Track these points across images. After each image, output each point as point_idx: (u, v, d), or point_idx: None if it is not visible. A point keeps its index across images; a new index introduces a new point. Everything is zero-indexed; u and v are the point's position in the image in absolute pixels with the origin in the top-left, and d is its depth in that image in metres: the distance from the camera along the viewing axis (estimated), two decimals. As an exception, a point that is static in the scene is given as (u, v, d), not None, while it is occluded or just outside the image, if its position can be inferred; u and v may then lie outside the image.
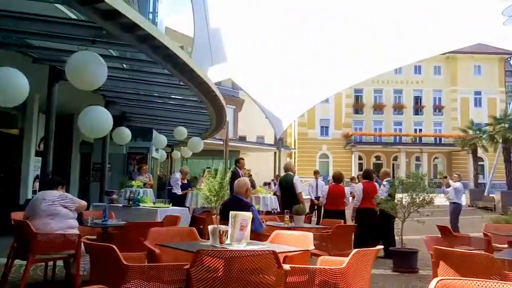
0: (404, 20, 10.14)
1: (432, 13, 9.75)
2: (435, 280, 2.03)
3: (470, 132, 30.85)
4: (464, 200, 23.31)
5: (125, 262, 2.96)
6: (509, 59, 46.04)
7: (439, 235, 5.83)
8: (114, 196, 8.39)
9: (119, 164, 12.79)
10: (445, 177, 12.20)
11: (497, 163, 25.49)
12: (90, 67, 5.14)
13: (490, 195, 22.64)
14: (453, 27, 10.32)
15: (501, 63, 44.73)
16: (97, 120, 6.26)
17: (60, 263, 5.00)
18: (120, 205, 7.86)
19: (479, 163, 33.42)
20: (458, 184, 11.02)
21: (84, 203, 4.98)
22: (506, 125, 25.25)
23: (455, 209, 10.83)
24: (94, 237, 5.74)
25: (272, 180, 21.49)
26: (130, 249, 4.35)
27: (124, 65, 8.65)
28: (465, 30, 10.62)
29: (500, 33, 11.93)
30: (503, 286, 1.90)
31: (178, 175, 11.57)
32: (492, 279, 3.06)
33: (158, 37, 5.35)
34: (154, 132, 13.25)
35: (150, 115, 12.05)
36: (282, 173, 14.78)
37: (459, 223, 10.77)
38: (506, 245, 5.61)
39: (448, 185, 11.15)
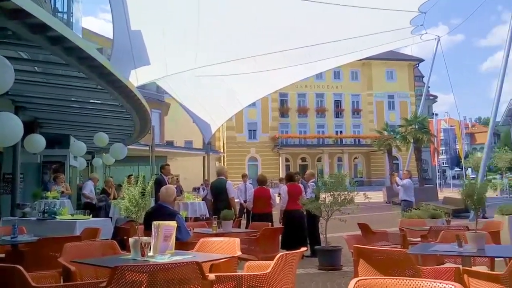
0: (323, 28, 10.56)
1: (348, 22, 10.28)
2: (354, 280, 2.08)
3: (385, 133, 33.03)
4: (382, 197, 24.93)
5: (33, 284, 2.70)
6: (417, 65, 50.21)
7: (359, 232, 6.10)
8: (27, 209, 7.73)
9: (33, 174, 11.83)
10: (393, 174, 12.20)
11: (410, 161, 27.50)
12: (-7, 70, 4.67)
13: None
14: (368, 35, 10.96)
15: (410, 69, 48.64)
16: (5, 127, 5.74)
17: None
18: (34, 218, 7.25)
19: (394, 161, 35.85)
20: (405, 181, 10.55)
21: None
22: (416, 126, 27.35)
23: (406, 207, 10.13)
24: (3, 255, 5.23)
25: (201, 185, 21.24)
26: (44, 267, 4.02)
27: (36, 68, 8.03)
28: (378, 38, 11.33)
29: (408, 41, 12.91)
30: (415, 282, 1.99)
31: (89, 182, 10.97)
32: (407, 274, 3.25)
33: (71, 38, 5.00)
34: (72, 139, 12.46)
35: (67, 120, 11.31)
36: (212, 178, 14.65)
37: (379, 219, 11.30)
38: (419, 239, 6.03)
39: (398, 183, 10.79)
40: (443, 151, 44.10)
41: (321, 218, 7.48)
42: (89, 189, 10.61)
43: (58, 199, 8.72)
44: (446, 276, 3.15)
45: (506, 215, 7.79)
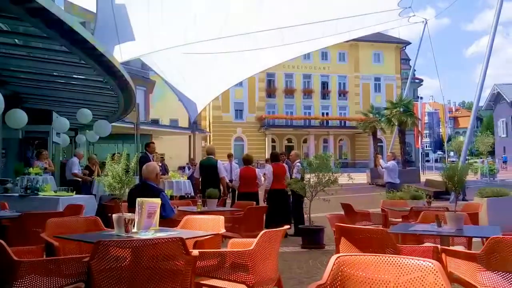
0: (312, 8, 10.47)
1: (337, 2, 10.20)
2: (335, 256, 2.12)
3: (371, 115, 33.26)
4: (366, 178, 25.28)
5: (15, 258, 2.69)
6: (404, 48, 50.31)
7: (342, 212, 6.20)
8: (9, 185, 7.63)
9: (15, 150, 11.63)
10: (377, 156, 12.07)
11: (394, 144, 27.85)
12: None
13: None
14: (356, 16, 10.92)
15: (397, 51, 48.72)
16: (-16, 101, 5.61)
17: None
18: (16, 194, 7.16)
19: (379, 144, 36.23)
20: (389, 164, 10.48)
21: None
22: (401, 109, 27.59)
23: (390, 189, 9.50)
24: (-16, 231, 5.18)
25: (187, 164, 21.20)
26: (27, 243, 4.00)
27: (17, 40, 7.80)
28: (366, 19, 11.30)
29: (396, 23, 12.91)
30: (394, 259, 2.05)
31: (75, 159, 10.85)
32: (387, 253, 3.33)
33: (52, 10, 4.85)
34: (55, 115, 12.24)
35: (50, 96, 11.08)
36: (198, 158, 14.53)
37: (362, 200, 11.44)
38: (400, 220, 6.16)
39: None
40: (427, 134, 44.78)
41: (305, 198, 7.58)
42: (77, 168, 10.47)
43: (41, 175, 8.60)
44: (425, 254, 3.23)
45: (485, 197, 7.98)
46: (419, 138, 33.00)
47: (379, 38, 42.31)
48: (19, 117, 8.93)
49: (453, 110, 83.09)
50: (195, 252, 2.92)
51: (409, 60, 55.60)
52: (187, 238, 2.91)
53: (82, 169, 11.12)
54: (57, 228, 3.75)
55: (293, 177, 8.12)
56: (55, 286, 2.83)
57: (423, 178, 22.86)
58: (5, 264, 2.73)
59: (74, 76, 9.59)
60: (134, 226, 3.25)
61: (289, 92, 46.50)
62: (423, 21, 20.55)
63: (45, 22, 5.19)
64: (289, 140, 46.02)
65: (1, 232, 4.83)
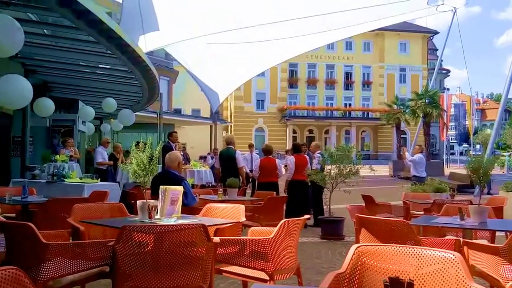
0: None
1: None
2: (355, 246, 2.13)
3: (395, 107, 32.73)
4: (388, 171, 24.98)
5: (43, 240, 2.80)
6: (431, 37, 49.05)
7: (363, 204, 6.16)
8: (36, 172, 7.89)
9: (42, 137, 11.98)
10: (403, 149, 11.71)
11: (418, 136, 27.38)
12: (3, 32, 4.67)
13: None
14: (383, 5, 10.70)
15: (424, 41, 47.54)
16: (15, 89, 5.79)
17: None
18: (43, 181, 7.40)
19: (402, 136, 35.71)
20: (415, 157, 10.08)
21: None
22: (427, 101, 27.05)
23: (416, 183, 9.04)
24: (13, 215, 5.39)
25: (209, 153, 21.37)
26: (53, 227, 4.14)
27: (46, 31, 7.99)
28: (393, 8, 11.06)
29: (424, 12, 12.59)
30: (414, 250, 2.04)
31: (100, 149, 11.07)
32: (408, 244, 3.31)
33: (80, 0, 4.95)
34: (81, 104, 12.52)
35: (76, 85, 11.35)
36: (219, 147, 14.65)
37: (383, 193, 11.33)
38: (422, 212, 6.09)
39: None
40: (453, 126, 43.76)
41: (325, 189, 7.57)
42: (101, 157, 10.71)
43: (67, 162, 8.85)
44: (446, 247, 3.20)
45: (511, 191, 7.79)
46: (444, 130, 32.34)
47: (405, 27, 41.38)
48: (47, 106, 9.17)
49: (481, 102, 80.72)
50: (216, 239, 2.98)
51: (436, 50, 54.23)
52: (209, 226, 2.97)
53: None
54: (83, 213, 3.87)
55: (313, 168, 8.11)
56: (81, 269, 2.94)
57: (447, 171, 22.45)
58: (34, 246, 2.85)
59: (100, 66, 9.76)
60: (157, 212, 3.33)
61: (312, 83, 46.10)
62: (452, 10, 19.95)
63: (73, 13, 5.31)
64: (311, 131, 45.76)
65: (28, 216, 5.01)
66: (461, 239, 3.40)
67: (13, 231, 3.09)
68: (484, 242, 3.95)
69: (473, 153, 29.22)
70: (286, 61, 38.75)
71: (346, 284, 2.04)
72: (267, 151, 8.44)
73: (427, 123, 27.17)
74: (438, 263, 1.95)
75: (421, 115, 27.09)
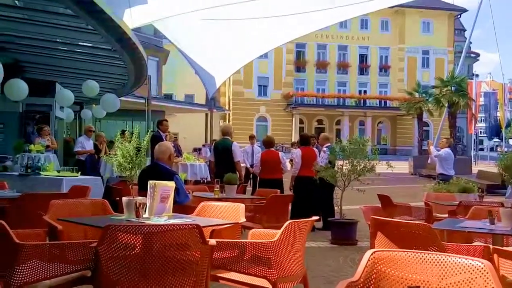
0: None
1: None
2: (370, 251, 2.14)
3: (416, 95, 32.71)
4: (408, 168, 25.00)
5: (16, 240, 2.82)
6: (458, 16, 48.79)
7: (379, 205, 6.18)
8: (8, 163, 7.92)
9: (14, 124, 12.00)
10: (428, 142, 11.60)
11: (442, 128, 27.38)
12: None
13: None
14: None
15: (450, 20, 47.33)
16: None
17: None
18: (16, 173, 7.44)
19: (424, 128, 35.73)
20: (442, 152, 9.82)
21: None
22: (453, 88, 27.01)
23: (442, 182, 8.80)
24: (-18, 212, 5.41)
25: (204, 145, 21.41)
26: (28, 226, 4.16)
27: (17, 2, 7.97)
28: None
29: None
30: (437, 257, 2.05)
31: (80, 138, 11.11)
32: (430, 251, 3.32)
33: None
34: (58, 86, 12.51)
35: (53, 65, 11.33)
36: (217, 138, 14.69)
37: (402, 193, 11.33)
38: (446, 215, 6.10)
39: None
40: (482, 118, 43.69)
41: (336, 187, 7.58)
42: (80, 146, 10.74)
43: (43, 153, 8.87)
44: (474, 254, 3.21)
45: (548, 193, 7.80)
46: (473, 122, 32.29)
47: (429, 4, 41.30)
48: (19, 88, 9.18)
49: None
50: (212, 241, 2.99)
51: (464, 30, 54.01)
52: (204, 226, 2.98)
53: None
54: (61, 210, 3.89)
55: (320, 163, 8.09)
56: (59, 273, 2.96)
57: (475, 169, 22.46)
58: (7, 247, 2.86)
59: (80, 43, 9.76)
60: (145, 211, 3.35)
61: (322, 66, 46.01)
62: (483, -16, 19.90)
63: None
64: (320, 122, 45.79)
65: (0, 213, 5.04)
66: (491, 246, 3.42)
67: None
68: (516, 249, 3.96)
69: (505, 149, 29.31)
70: (293, 41, 38.60)
71: (359, 294, 2.05)
72: (268, 143, 8.43)
73: (453, 114, 27.18)
74: (464, 273, 1.96)
75: (446, 105, 27.08)
